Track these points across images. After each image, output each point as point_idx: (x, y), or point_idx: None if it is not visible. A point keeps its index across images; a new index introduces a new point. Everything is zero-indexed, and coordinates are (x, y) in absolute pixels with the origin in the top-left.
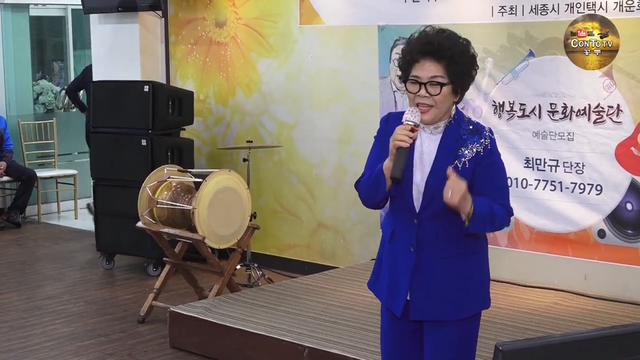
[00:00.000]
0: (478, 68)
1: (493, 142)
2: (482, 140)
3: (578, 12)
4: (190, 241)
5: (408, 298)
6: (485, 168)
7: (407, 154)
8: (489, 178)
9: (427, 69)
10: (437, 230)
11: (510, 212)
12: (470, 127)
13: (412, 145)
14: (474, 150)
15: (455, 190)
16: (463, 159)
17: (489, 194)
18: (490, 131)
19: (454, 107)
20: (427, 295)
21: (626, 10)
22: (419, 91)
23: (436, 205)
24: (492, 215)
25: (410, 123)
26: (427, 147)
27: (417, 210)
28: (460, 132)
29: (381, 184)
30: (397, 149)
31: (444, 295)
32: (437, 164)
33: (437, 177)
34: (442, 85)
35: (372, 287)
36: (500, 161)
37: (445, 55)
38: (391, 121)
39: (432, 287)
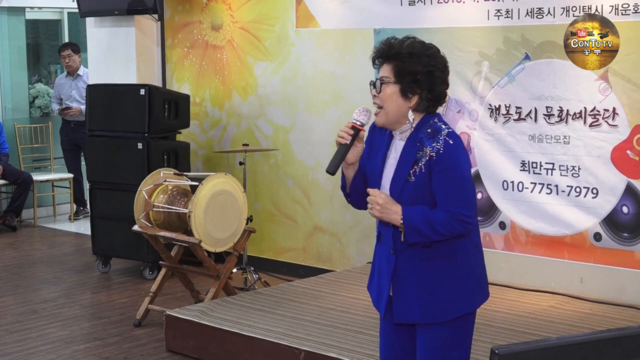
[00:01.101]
0: (436, 72)
1: (449, 146)
2: (435, 144)
3: (574, 16)
4: (187, 244)
5: (391, 294)
6: (437, 174)
7: (346, 151)
8: (440, 184)
9: (380, 71)
10: None
11: (462, 220)
12: (429, 130)
13: (387, 150)
14: (428, 154)
15: (373, 204)
16: (420, 163)
17: (440, 201)
18: (449, 135)
19: (411, 113)
20: (407, 298)
21: (622, 14)
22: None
23: None
24: (428, 223)
25: (354, 121)
26: (396, 152)
27: None
28: (419, 135)
29: (342, 184)
30: (338, 145)
31: (424, 298)
32: (398, 168)
33: (399, 182)
34: (382, 83)
35: (369, 288)
36: (457, 167)
37: (391, 55)
38: (377, 129)
39: (412, 289)
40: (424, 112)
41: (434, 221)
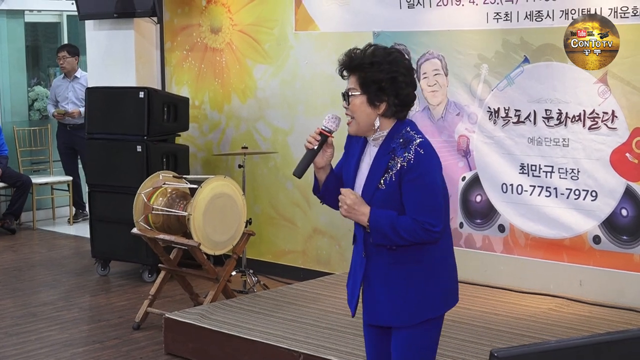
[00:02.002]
0: (399, 77)
1: (419, 156)
2: (406, 154)
3: (573, 18)
4: (186, 247)
5: (361, 292)
6: (407, 182)
7: (313, 156)
8: (409, 193)
9: (348, 83)
10: None
11: (427, 229)
12: (401, 140)
13: (360, 155)
14: (399, 163)
15: (342, 203)
16: (391, 172)
17: (408, 209)
18: (421, 144)
19: (377, 120)
20: (376, 301)
21: (621, 17)
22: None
23: None
24: (393, 228)
25: (323, 128)
26: (369, 158)
27: None
28: (392, 144)
29: (314, 187)
30: (307, 149)
31: (392, 301)
32: (370, 175)
33: (370, 189)
34: (349, 96)
35: (347, 286)
36: (427, 176)
37: (353, 67)
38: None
39: (381, 293)
40: (394, 118)
41: (398, 226)
